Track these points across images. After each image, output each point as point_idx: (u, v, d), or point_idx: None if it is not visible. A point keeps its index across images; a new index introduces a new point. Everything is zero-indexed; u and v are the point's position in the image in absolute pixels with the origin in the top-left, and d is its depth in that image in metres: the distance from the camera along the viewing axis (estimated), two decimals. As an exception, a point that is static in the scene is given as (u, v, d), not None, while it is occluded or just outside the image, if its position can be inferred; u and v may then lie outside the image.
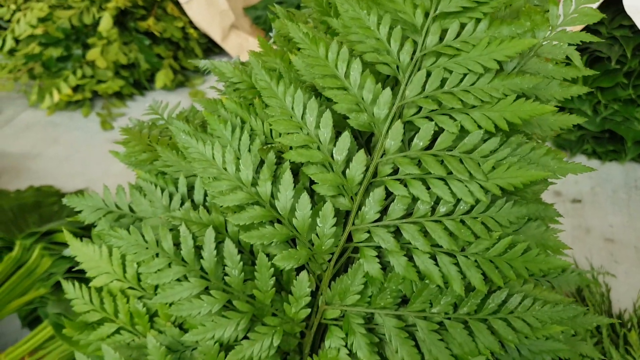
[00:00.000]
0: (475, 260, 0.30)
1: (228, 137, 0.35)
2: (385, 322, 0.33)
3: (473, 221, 0.29)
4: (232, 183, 0.32)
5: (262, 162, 0.35)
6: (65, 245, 0.86)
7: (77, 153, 1.27)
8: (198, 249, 0.35)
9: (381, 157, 0.30)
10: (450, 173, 0.28)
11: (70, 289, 0.39)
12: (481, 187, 0.28)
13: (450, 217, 0.30)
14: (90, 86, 1.28)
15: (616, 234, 0.98)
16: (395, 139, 0.29)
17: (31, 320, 0.86)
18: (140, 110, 1.40)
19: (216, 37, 1.31)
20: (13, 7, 1.30)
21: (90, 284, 0.39)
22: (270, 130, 0.37)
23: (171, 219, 0.34)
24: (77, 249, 0.39)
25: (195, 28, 1.34)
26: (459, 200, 0.30)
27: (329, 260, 0.34)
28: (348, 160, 0.31)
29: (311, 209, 0.32)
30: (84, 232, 0.78)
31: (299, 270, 0.37)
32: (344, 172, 0.31)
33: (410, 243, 0.31)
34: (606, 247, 0.97)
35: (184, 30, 1.30)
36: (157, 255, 0.34)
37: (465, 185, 0.28)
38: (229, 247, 0.34)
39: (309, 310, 0.35)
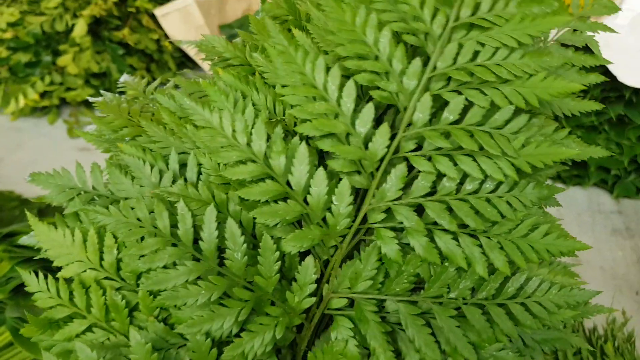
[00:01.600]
0: (498, 242, 0.29)
1: (230, 109, 0.32)
2: (401, 308, 0.30)
3: (499, 200, 0.28)
4: (242, 154, 0.29)
5: (268, 138, 0.32)
6: (28, 249, 0.77)
7: (42, 159, 1.19)
8: (194, 229, 0.31)
9: (406, 130, 0.28)
10: (481, 148, 0.27)
11: (33, 280, 0.33)
12: (511, 164, 0.27)
13: (476, 196, 0.28)
14: (59, 93, 1.22)
15: (583, 255, 0.99)
16: (424, 111, 0.28)
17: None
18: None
19: (190, 51, 1.28)
20: (-19, 10, 1.22)
21: (59, 275, 0.33)
22: (274, 105, 0.34)
23: (167, 195, 0.30)
24: (42, 233, 0.33)
25: (170, 42, 1.31)
26: (484, 179, 0.29)
27: (341, 243, 0.31)
28: (370, 133, 0.29)
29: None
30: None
31: (302, 255, 0.34)
32: (365, 147, 0.29)
33: (431, 224, 0.29)
34: (573, 268, 1.00)
35: (159, 43, 1.27)
36: (152, 235, 0.29)
37: (495, 162, 0.27)
38: (232, 227, 0.30)
39: (313, 299, 0.32)
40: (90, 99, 0.41)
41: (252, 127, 0.28)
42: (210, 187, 0.31)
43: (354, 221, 0.30)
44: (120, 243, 0.32)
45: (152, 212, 0.31)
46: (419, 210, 0.29)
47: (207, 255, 0.30)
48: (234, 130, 0.28)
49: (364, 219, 0.31)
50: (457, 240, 0.28)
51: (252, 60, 0.36)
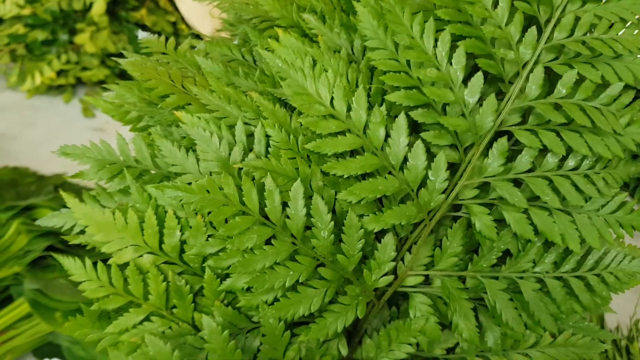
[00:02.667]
0: (589, 218, 0.29)
1: (309, 74, 0.28)
2: (486, 284, 0.30)
3: (596, 177, 0.28)
4: (341, 125, 0.26)
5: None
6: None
7: (56, 138, 1.12)
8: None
9: (513, 103, 0.27)
10: (592, 124, 0.26)
11: (78, 267, 0.27)
12: (617, 142, 0.27)
13: (575, 172, 0.28)
14: (75, 72, 1.16)
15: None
16: (536, 83, 0.26)
17: (0, 300, 0.72)
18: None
19: (206, 34, 1.22)
20: (-2, -15, 1.10)
21: (111, 261, 0.28)
22: (346, 72, 0.31)
23: (252, 170, 0.26)
24: (86, 216, 0.28)
25: (187, 24, 1.23)
26: (584, 156, 0.28)
27: (430, 220, 0.29)
28: (477, 104, 0.27)
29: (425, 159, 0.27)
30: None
31: (377, 233, 0.32)
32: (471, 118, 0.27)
33: (527, 200, 0.28)
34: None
35: (175, 26, 1.20)
36: (240, 214, 0.25)
37: (602, 139, 0.27)
38: (318, 204, 0.27)
39: (391, 277, 0.31)
40: (119, 60, 0.34)
41: (352, 95, 0.25)
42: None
43: (449, 196, 0.28)
44: (183, 224, 0.28)
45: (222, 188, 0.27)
46: (518, 185, 0.28)
47: (295, 234, 0.27)
48: (332, 98, 0.25)
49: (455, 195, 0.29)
50: (552, 217, 0.28)
51: (303, 23, 0.33)
